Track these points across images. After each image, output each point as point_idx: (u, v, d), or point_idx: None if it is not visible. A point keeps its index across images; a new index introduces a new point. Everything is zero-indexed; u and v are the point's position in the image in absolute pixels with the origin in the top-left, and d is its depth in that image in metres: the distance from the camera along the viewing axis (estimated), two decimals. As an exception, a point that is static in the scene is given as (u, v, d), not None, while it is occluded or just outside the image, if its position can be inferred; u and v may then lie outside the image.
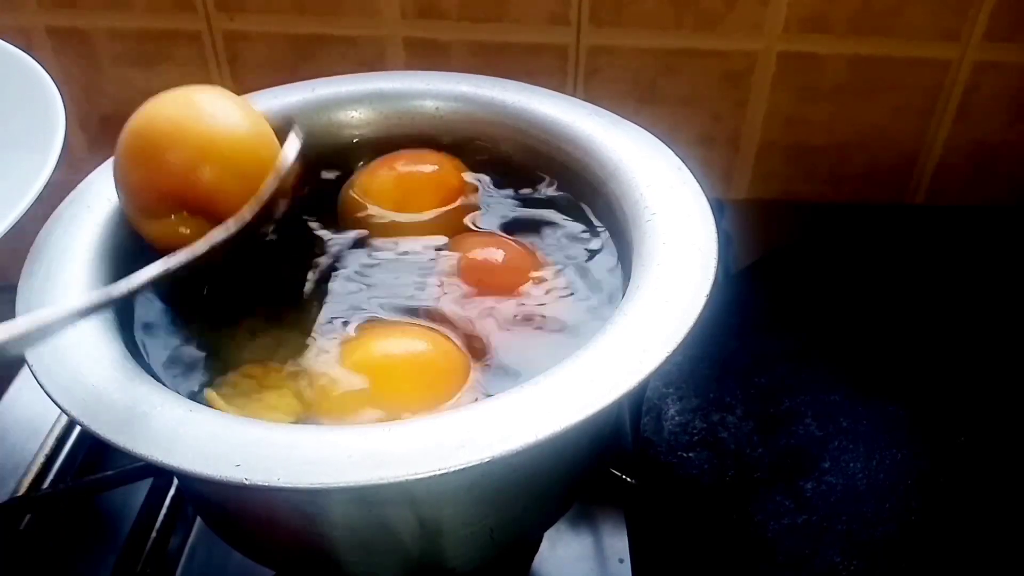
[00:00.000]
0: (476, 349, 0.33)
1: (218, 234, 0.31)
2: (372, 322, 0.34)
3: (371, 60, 0.55)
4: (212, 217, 0.32)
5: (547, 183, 0.40)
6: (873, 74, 0.54)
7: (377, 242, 0.38)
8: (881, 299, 0.45)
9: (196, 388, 0.31)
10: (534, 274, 0.36)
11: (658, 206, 0.34)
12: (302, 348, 0.33)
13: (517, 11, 0.53)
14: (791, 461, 0.37)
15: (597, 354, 0.29)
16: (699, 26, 0.53)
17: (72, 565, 0.41)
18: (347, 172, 0.41)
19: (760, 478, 0.37)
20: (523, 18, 0.53)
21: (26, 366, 0.29)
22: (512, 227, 0.38)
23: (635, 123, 0.39)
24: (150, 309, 0.35)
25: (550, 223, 0.38)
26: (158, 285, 0.29)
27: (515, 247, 0.37)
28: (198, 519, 0.42)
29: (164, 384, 0.30)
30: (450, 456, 0.25)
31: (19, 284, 0.32)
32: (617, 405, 0.27)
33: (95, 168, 0.38)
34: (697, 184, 0.35)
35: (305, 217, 0.39)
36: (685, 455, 0.38)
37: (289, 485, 0.25)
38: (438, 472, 0.25)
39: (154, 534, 0.40)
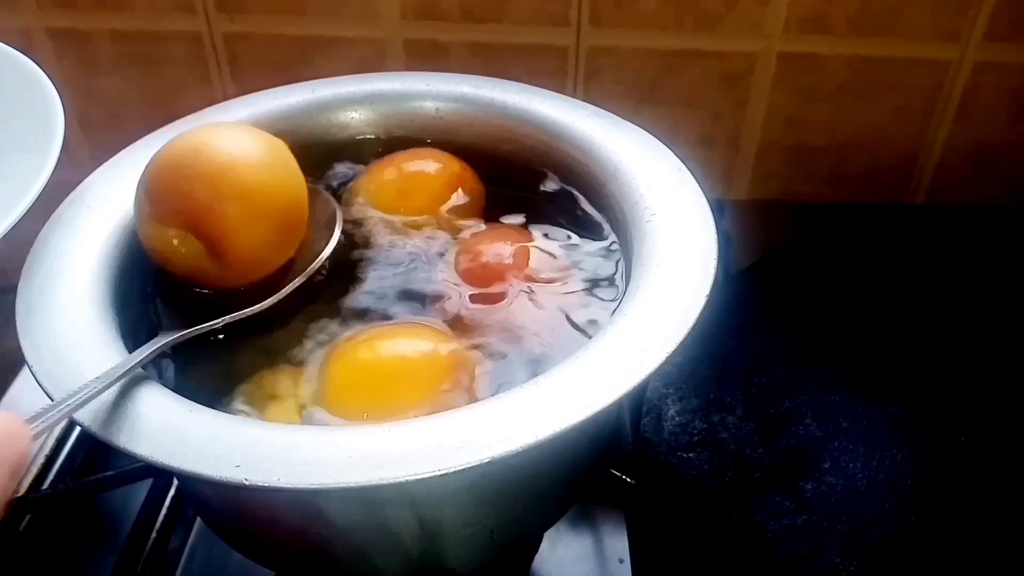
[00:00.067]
0: (476, 347, 0.33)
1: (257, 307, 0.33)
2: (372, 322, 0.34)
3: (371, 61, 0.55)
4: (212, 246, 0.33)
5: (547, 183, 0.40)
6: (873, 74, 0.54)
7: (378, 242, 0.38)
8: (881, 299, 0.45)
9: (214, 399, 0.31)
10: (534, 273, 0.36)
11: (658, 207, 0.35)
12: (302, 349, 0.33)
13: (517, 12, 0.53)
14: (791, 461, 0.37)
15: (597, 354, 0.29)
16: (699, 27, 0.53)
17: (72, 565, 0.41)
18: (347, 173, 0.41)
19: (760, 478, 0.37)
20: (523, 19, 0.53)
21: (26, 366, 0.29)
22: (512, 227, 0.38)
23: (635, 124, 0.39)
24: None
25: (550, 223, 0.38)
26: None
27: (515, 247, 0.37)
28: (198, 519, 0.42)
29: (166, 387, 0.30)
30: (450, 456, 0.25)
31: (19, 284, 0.32)
32: (617, 405, 0.27)
33: (95, 168, 0.38)
34: (697, 185, 0.35)
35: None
36: (685, 455, 0.38)
37: (289, 486, 0.25)
38: (438, 472, 0.25)
39: (154, 534, 0.40)
